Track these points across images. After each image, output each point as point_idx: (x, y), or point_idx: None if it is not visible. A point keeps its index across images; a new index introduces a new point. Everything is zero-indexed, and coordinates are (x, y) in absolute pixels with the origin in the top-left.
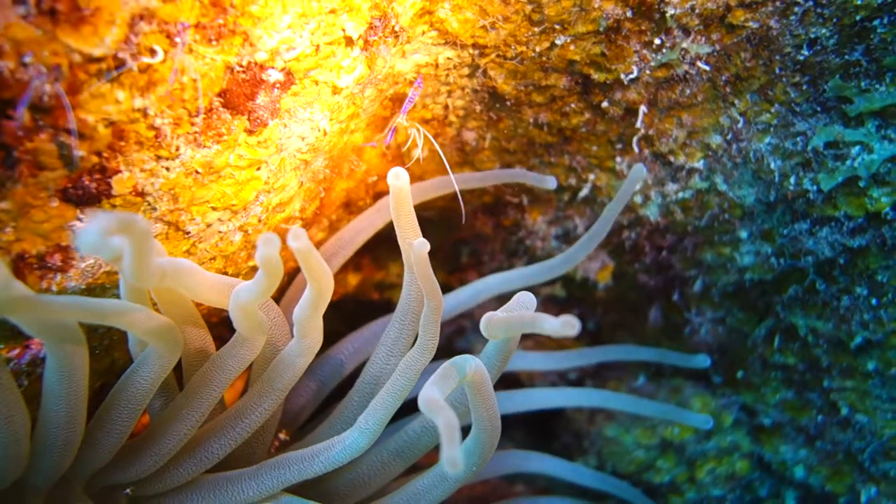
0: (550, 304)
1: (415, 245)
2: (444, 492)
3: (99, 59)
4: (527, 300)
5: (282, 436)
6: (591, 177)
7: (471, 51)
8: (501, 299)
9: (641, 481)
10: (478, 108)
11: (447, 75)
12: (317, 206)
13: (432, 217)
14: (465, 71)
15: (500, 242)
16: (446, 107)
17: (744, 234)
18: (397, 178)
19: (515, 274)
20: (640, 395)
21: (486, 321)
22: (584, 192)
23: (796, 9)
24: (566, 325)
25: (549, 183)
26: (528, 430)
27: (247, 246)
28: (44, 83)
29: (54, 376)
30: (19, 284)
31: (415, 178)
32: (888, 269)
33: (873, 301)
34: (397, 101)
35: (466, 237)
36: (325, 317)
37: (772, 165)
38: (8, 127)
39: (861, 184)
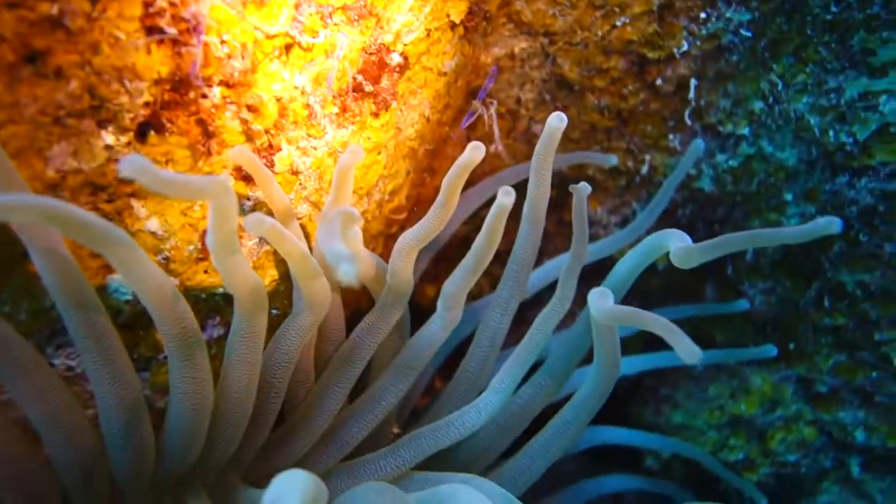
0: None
1: (579, 187)
2: (567, 440)
3: (274, 37)
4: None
5: (395, 430)
6: (648, 157)
7: (542, 39)
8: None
9: (718, 461)
10: (547, 97)
11: (522, 65)
12: (415, 201)
13: None
14: (536, 62)
15: (561, 238)
16: (518, 100)
17: (789, 197)
18: (560, 120)
19: (592, 248)
20: (700, 381)
21: (686, 251)
22: (643, 172)
23: None
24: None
25: (611, 160)
26: None
27: (364, 236)
28: (234, 60)
29: (241, 340)
30: None
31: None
32: None
33: None
34: (477, 95)
35: None
36: None
37: (811, 123)
38: (203, 105)
39: (892, 130)
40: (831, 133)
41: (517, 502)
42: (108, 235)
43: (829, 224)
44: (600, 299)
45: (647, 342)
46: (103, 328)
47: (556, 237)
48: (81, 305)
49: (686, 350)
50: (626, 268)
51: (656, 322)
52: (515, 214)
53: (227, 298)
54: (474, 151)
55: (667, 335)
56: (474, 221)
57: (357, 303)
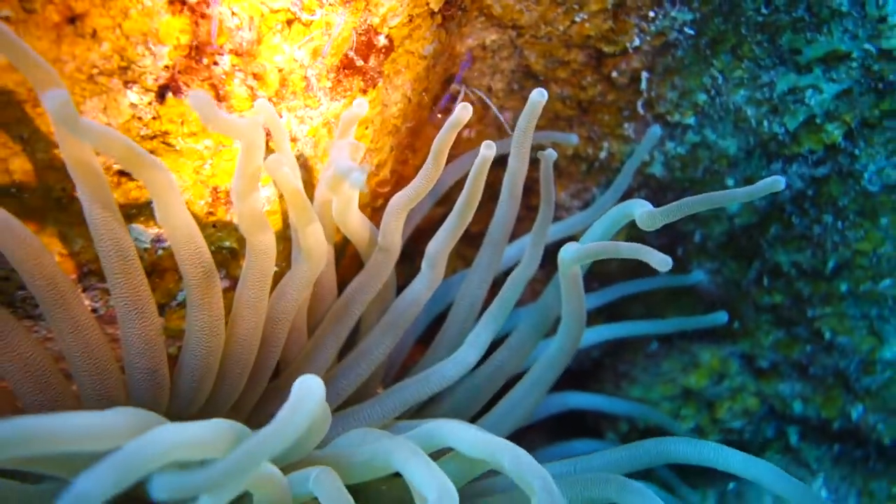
0: None
1: (546, 154)
2: (537, 395)
3: (277, 12)
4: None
5: (380, 391)
6: (606, 144)
7: (510, 32)
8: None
9: (670, 431)
10: (515, 87)
11: (492, 56)
12: (398, 178)
13: None
14: (505, 53)
15: (530, 222)
16: (489, 89)
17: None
18: (541, 94)
19: (557, 227)
20: (655, 358)
21: (649, 215)
22: (602, 158)
23: None
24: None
25: (572, 139)
26: None
27: None
28: (243, 31)
29: (250, 282)
30: None
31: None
32: (846, 193)
33: (839, 225)
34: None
35: None
36: None
37: (748, 114)
38: (215, 72)
39: (818, 121)
40: (766, 123)
41: (497, 437)
42: (150, 161)
43: (774, 182)
44: (569, 247)
45: (611, 316)
46: (129, 250)
47: (524, 221)
48: (111, 221)
49: (658, 260)
50: (595, 234)
51: (625, 247)
52: (493, 196)
53: (234, 253)
54: (463, 111)
55: (638, 254)
56: (450, 204)
57: (345, 273)
